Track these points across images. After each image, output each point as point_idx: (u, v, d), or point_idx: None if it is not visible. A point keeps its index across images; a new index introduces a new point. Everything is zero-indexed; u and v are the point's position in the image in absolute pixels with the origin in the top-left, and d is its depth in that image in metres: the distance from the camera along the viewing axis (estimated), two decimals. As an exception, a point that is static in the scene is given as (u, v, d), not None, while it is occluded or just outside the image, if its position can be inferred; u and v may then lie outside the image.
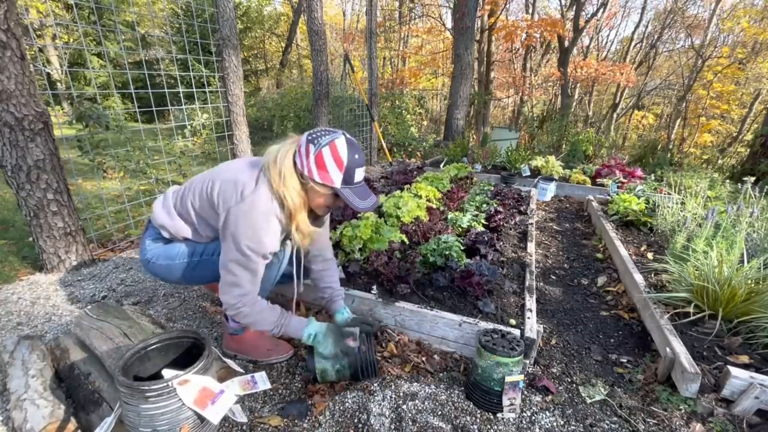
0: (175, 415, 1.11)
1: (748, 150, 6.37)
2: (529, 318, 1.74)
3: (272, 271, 1.48)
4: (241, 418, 1.28)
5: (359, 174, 1.29)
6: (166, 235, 1.46)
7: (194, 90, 3.43)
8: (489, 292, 1.96)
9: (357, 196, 1.29)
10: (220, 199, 1.30)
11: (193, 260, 1.46)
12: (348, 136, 1.28)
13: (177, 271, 1.48)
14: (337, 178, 1.25)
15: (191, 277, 1.51)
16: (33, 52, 7.92)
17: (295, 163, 1.28)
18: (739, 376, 1.40)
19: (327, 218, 1.58)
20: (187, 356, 1.34)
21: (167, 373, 1.14)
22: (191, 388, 1.11)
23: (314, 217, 1.44)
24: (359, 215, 2.49)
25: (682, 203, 2.91)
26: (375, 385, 1.52)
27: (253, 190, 1.25)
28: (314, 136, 1.25)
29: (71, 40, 11.28)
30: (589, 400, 1.52)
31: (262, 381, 1.27)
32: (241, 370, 1.32)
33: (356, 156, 1.26)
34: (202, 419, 1.16)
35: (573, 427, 1.39)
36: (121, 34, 3.27)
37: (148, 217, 1.63)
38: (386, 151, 6.23)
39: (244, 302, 1.31)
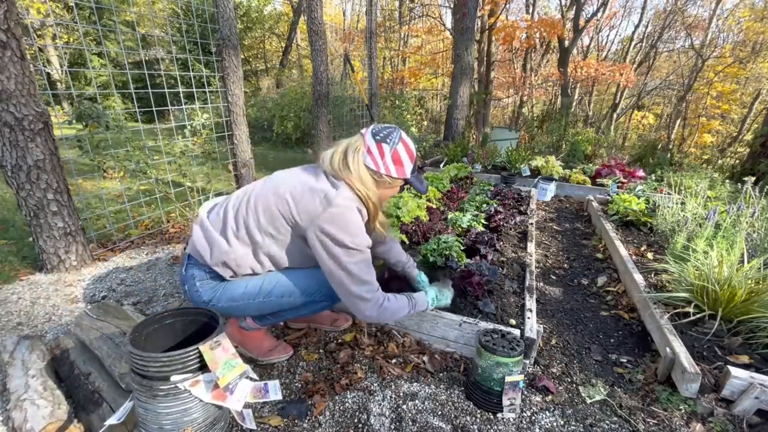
0: (182, 415, 1.11)
1: (748, 150, 6.37)
2: (529, 318, 1.74)
3: None
4: (251, 425, 1.26)
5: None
6: (224, 273, 1.34)
7: (194, 90, 3.42)
8: (489, 292, 1.96)
9: (418, 181, 1.43)
10: (301, 212, 1.27)
11: (258, 301, 1.38)
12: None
13: (242, 311, 1.42)
14: (409, 170, 1.38)
15: (262, 318, 1.50)
16: (33, 52, 7.91)
17: (366, 164, 1.34)
18: (739, 376, 1.41)
19: None
20: (196, 337, 1.30)
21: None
22: (204, 385, 1.11)
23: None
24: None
25: (682, 203, 2.91)
26: (375, 385, 1.52)
27: (336, 193, 1.28)
28: (382, 135, 1.33)
29: (71, 40, 11.27)
30: (589, 400, 1.52)
31: (273, 391, 1.24)
32: (256, 377, 1.30)
33: (414, 145, 1.40)
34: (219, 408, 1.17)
35: (573, 427, 1.39)
36: (121, 34, 3.27)
37: (184, 248, 1.53)
38: (386, 151, 6.22)
39: (377, 296, 1.33)
